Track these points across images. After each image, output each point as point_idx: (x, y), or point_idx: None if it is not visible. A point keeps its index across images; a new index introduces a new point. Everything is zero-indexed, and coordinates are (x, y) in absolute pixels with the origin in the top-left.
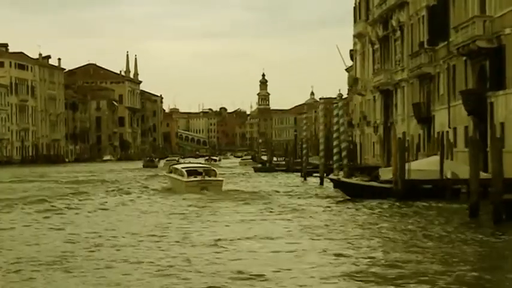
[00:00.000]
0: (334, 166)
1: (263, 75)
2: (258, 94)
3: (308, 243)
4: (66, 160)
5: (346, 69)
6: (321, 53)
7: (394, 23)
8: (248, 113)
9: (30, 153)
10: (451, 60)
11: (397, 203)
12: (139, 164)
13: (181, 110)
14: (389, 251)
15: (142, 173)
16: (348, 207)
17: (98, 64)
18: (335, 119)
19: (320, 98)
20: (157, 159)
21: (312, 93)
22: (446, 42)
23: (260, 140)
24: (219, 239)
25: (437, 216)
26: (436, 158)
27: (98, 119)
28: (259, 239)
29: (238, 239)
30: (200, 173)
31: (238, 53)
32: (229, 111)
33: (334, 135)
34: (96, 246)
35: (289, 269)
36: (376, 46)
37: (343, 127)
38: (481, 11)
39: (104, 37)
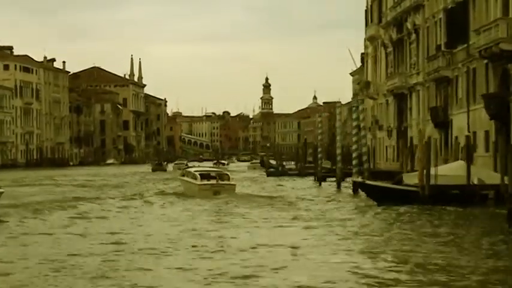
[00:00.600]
0: (354, 170)
1: (266, 78)
2: (261, 98)
3: (350, 251)
4: (71, 163)
5: (351, 73)
6: (323, 57)
7: (409, 25)
8: (251, 116)
9: (35, 157)
10: (470, 64)
11: (426, 209)
12: (145, 168)
13: (184, 114)
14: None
15: (155, 177)
16: (378, 213)
17: (101, 67)
18: (354, 123)
19: (324, 102)
20: (165, 163)
21: (315, 97)
22: (465, 45)
23: (268, 144)
24: (256, 246)
25: (473, 225)
26: (461, 163)
27: (102, 123)
28: (303, 247)
29: (277, 245)
30: (213, 177)
31: (239, 56)
32: (232, 115)
33: (354, 138)
34: (138, 251)
35: (347, 280)
36: (390, 49)
37: (363, 131)
38: (504, 14)
39: (105, 40)
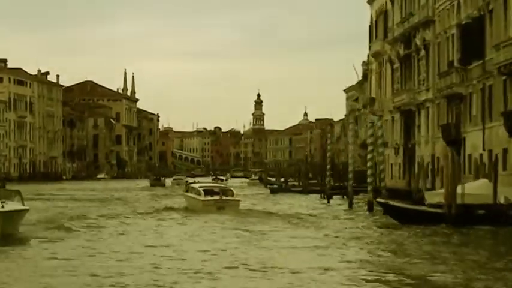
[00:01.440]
0: (369, 188)
1: (258, 95)
2: (252, 114)
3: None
4: (64, 178)
5: (345, 90)
6: (313, 74)
7: (418, 41)
8: (242, 132)
9: (28, 171)
10: (487, 80)
11: (455, 229)
12: (142, 183)
13: (175, 129)
14: None
15: (155, 192)
16: (403, 233)
17: (94, 81)
18: (369, 139)
19: (316, 119)
20: (163, 178)
21: (305, 114)
22: (481, 61)
23: (266, 160)
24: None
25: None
26: (485, 181)
27: (95, 137)
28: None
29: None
30: (217, 193)
31: (229, 73)
32: (223, 130)
33: (369, 156)
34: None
35: None
36: (396, 65)
37: (381, 148)
38: None
39: (95, 55)
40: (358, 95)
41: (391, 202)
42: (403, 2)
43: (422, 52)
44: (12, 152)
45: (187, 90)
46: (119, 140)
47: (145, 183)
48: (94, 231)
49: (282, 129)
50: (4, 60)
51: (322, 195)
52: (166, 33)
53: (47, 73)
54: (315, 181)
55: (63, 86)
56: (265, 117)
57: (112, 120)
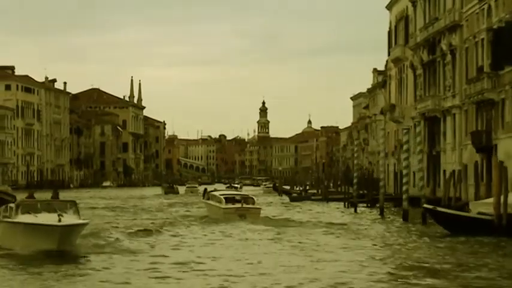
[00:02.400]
0: (404, 197)
1: (263, 102)
2: (257, 122)
3: None
4: (71, 186)
5: (351, 98)
6: (317, 81)
7: (443, 46)
8: (246, 140)
9: (36, 178)
10: None
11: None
12: (149, 191)
13: (180, 137)
14: None
15: (173, 200)
16: (458, 244)
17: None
18: (405, 146)
19: (321, 127)
20: (176, 186)
21: (310, 122)
22: None
23: (280, 168)
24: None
25: None
26: None
27: (102, 145)
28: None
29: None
30: (238, 201)
31: (232, 81)
32: (228, 138)
33: (404, 163)
34: None
35: None
36: (419, 71)
37: (420, 155)
38: None
39: (98, 62)
40: (369, 102)
41: (439, 209)
42: (426, 6)
43: (448, 57)
44: (20, 160)
45: (191, 97)
46: (125, 147)
47: (155, 191)
48: (150, 244)
49: (287, 136)
50: (12, 68)
51: (346, 203)
52: (168, 41)
53: (54, 80)
54: (333, 189)
55: (70, 93)
56: (269, 125)
57: (119, 128)
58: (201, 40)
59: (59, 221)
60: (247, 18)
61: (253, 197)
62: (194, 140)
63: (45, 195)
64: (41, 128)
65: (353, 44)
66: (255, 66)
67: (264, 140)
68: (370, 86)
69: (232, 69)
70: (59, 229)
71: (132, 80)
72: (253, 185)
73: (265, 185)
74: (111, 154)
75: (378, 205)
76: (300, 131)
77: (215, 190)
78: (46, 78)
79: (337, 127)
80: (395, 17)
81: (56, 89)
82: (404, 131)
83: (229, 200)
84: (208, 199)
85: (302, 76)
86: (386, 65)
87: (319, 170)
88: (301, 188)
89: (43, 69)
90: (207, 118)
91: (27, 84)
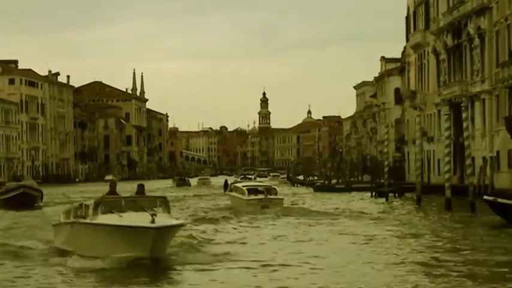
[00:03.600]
0: (446, 185)
1: (264, 93)
2: (258, 113)
3: None
4: (77, 180)
5: (354, 87)
6: (317, 72)
7: (471, 30)
8: (247, 131)
9: (41, 173)
10: None
11: None
12: (158, 184)
13: (180, 129)
14: None
15: (189, 193)
16: None
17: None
18: (446, 133)
19: (323, 117)
20: (188, 178)
21: (309, 112)
22: None
23: (292, 159)
24: None
25: None
26: None
27: (106, 138)
28: None
29: None
30: (261, 192)
31: (231, 73)
32: (229, 130)
33: (446, 150)
34: None
35: None
36: (443, 56)
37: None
38: None
39: (96, 57)
40: (376, 90)
41: (503, 200)
42: None
43: (476, 41)
44: (25, 155)
45: (191, 90)
46: (129, 140)
47: (163, 183)
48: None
49: (287, 127)
50: (15, 62)
51: (373, 193)
52: (167, 34)
53: (57, 74)
54: (353, 179)
55: (73, 86)
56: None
57: (122, 121)
58: (199, 33)
59: (153, 221)
60: (246, 10)
61: (276, 188)
62: (195, 132)
63: (52, 190)
64: (45, 122)
65: (351, 35)
66: (253, 58)
67: (265, 131)
68: (376, 75)
69: (230, 61)
70: (152, 232)
71: (134, 73)
72: (259, 176)
73: (273, 176)
74: (115, 147)
75: (406, 194)
76: (299, 122)
77: (236, 182)
78: (49, 71)
79: (339, 117)
80: (413, 2)
81: (59, 82)
82: (446, 116)
83: (252, 191)
84: (231, 191)
85: (301, 67)
86: (403, 52)
87: (338, 159)
88: (311, 178)
89: (44, 65)
90: (207, 110)
91: (31, 78)
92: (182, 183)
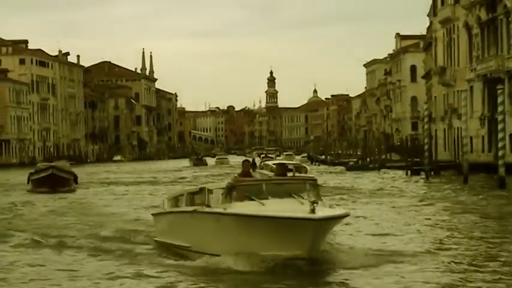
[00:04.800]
0: (500, 162)
1: (271, 72)
2: (266, 92)
3: None
4: (88, 160)
5: (364, 65)
6: (321, 50)
7: (508, 3)
8: (254, 111)
9: (52, 154)
10: None
11: None
12: (172, 164)
13: (187, 109)
14: None
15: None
16: None
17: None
18: (500, 108)
19: (332, 95)
20: (205, 158)
21: (315, 91)
22: None
23: (312, 137)
24: None
25: None
26: None
27: (116, 118)
28: None
29: None
30: (290, 170)
31: (236, 52)
32: (236, 109)
33: (500, 126)
34: None
35: None
36: (476, 31)
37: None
38: None
39: (101, 36)
40: (391, 67)
41: None
42: None
43: None
44: (37, 135)
45: (196, 69)
46: (139, 120)
47: (178, 163)
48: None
49: (293, 106)
50: (25, 42)
51: (408, 171)
52: (172, 13)
53: (67, 54)
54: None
55: (84, 66)
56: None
57: (132, 101)
58: (201, 12)
59: (313, 211)
60: None
61: (306, 166)
62: (202, 111)
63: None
64: (56, 103)
65: (357, 12)
66: (258, 37)
67: (273, 110)
68: (390, 52)
69: (235, 40)
70: (314, 225)
71: (143, 52)
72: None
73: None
74: (125, 127)
75: (442, 173)
76: (305, 101)
77: (269, 160)
78: (60, 51)
79: (348, 95)
80: None
81: (69, 62)
82: (499, 91)
83: None
84: (261, 169)
85: (306, 45)
86: (429, 27)
87: (365, 138)
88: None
89: (54, 44)
90: (213, 90)
91: (41, 58)
92: (199, 162)
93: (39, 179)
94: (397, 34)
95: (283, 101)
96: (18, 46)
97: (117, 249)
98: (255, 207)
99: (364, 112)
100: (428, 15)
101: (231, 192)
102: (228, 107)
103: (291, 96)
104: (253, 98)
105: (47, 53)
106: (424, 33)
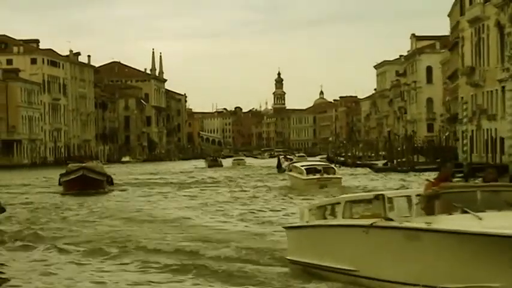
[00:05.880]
0: None
1: (279, 73)
2: (273, 93)
3: None
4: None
5: (374, 66)
6: (329, 52)
7: None
8: (261, 112)
9: (63, 154)
10: None
11: None
12: (184, 165)
13: (194, 110)
14: None
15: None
16: None
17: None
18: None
19: (340, 97)
20: (220, 159)
21: (321, 93)
22: None
23: (330, 138)
24: None
25: None
26: None
27: (126, 119)
28: None
29: None
30: (319, 171)
31: (242, 53)
32: (244, 110)
33: None
34: None
35: None
36: (508, 29)
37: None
38: None
39: (104, 37)
40: (406, 68)
41: None
42: None
43: None
44: (48, 136)
45: (203, 70)
46: (148, 121)
47: (191, 164)
48: None
49: (299, 108)
50: (36, 41)
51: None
52: (179, 14)
53: (78, 54)
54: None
55: (94, 66)
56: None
57: (143, 101)
58: (210, 13)
59: None
60: None
61: (334, 168)
62: (209, 113)
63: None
64: (67, 103)
65: (360, 13)
66: (263, 38)
67: (280, 111)
68: (402, 53)
69: (241, 41)
70: None
71: (153, 53)
72: (271, 157)
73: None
74: (136, 128)
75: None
76: (310, 102)
77: (297, 161)
78: (71, 51)
79: (356, 97)
80: None
81: (80, 62)
82: None
83: (310, 170)
84: (290, 170)
85: (311, 47)
86: (455, 26)
87: (389, 139)
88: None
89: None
90: (220, 91)
91: (53, 57)
92: (214, 163)
93: (70, 180)
94: (413, 35)
95: (288, 102)
96: (30, 46)
97: (243, 273)
98: (472, 222)
99: (375, 114)
100: (449, 15)
101: (432, 201)
102: (236, 108)
103: (297, 98)
104: (259, 99)
105: (58, 53)
106: (441, 33)
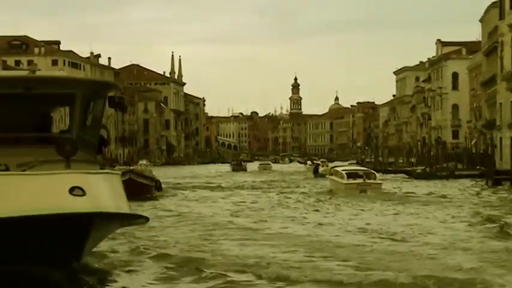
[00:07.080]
0: None
1: (295, 78)
2: (290, 98)
3: None
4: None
5: (394, 72)
6: (335, 58)
7: None
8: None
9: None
10: None
11: None
12: (207, 168)
13: (210, 115)
14: None
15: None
16: None
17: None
18: None
19: (358, 102)
20: (245, 163)
21: (337, 98)
22: None
23: (358, 144)
24: None
25: None
26: None
27: (145, 122)
28: None
29: None
30: (360, 176)
31: (257, 58)
32: (260, 115)
33: None
34: None
35: None
36: None
37: None
38: None
39: (120, 41)
40: (430, 74)
41: None
42: None
43: None
44: None
45: (219, 75)
46: (167, 125)
47: (213, 168)
48: None
49: (315, 113)
50: (57, 42)
51: (488, 181)
52: (194, 19)
53: (99, 56)
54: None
55: (114, 68)
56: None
57: (162, 105)
58: (226, 17)
59: None
60: None
61: (375, 172)
62: (225, 117)
63: None
64: None
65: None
66: (281, 43)
67: (297, 116)
68: (423, 59)
69: (257, 46)
70: None
71: (172, 56)
72: (300, 163)
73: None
74: (155, 131)
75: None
76: (325, 108)
77: (339, 166)
78: (91, 53)
79: (373, 102)
80: None
81: (100, 64)
82: None
83: (351, 175)
84: (331, 174)
85: (327, 52)
86: (492, 31)
87: (423, 145)
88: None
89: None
90: (236, 95)
91: (74, 59)
92: (239, 168)
93: None
94: (438, 40)
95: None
96: (51, 47)
97: None
98: None
99: (394, 120)
100: (480, 21)
101: None
102: (252, 113)
103: (312, 103)
104: (275, 104)
105: (78, 55)
106: (467, 39)
